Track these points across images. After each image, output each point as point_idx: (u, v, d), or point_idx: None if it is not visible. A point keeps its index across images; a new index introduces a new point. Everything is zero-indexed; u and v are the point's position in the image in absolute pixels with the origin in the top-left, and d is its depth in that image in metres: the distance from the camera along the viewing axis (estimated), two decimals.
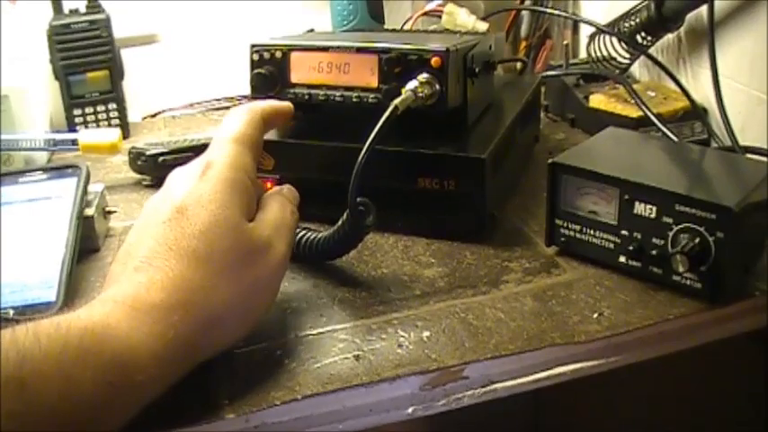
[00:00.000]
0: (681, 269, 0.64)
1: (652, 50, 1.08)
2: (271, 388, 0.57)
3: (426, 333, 0.63)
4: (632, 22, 1.04)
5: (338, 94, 0.77)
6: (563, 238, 0.73)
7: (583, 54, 1.19)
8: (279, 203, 0.65)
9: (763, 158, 0.85)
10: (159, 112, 1.25)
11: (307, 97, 0.78)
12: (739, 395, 0.73)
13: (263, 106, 0.69)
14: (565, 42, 1.18)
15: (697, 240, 0.64)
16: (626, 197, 0.68)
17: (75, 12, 1.12)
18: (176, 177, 0.63)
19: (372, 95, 0.75)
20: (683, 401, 0.70)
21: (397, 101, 0.68)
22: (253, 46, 0.80)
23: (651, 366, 0.63)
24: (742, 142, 0.90)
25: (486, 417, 0.65)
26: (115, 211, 0.84)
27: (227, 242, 0.56)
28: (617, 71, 1.10)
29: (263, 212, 0.63)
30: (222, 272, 0.55)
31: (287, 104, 0.72)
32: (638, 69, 1.17)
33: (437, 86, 0.73)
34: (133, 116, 1.21)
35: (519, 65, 1.23)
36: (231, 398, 0.56)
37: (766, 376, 0.73)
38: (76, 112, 1.13)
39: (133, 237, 0.59)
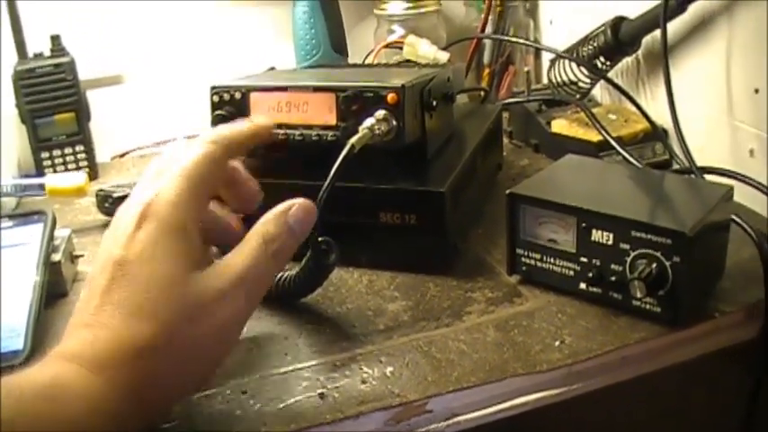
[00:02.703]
0: (639, 294, 0.65)
1: (611, 74, 1.10)
2: (236, 430, 0.57)
3: (390, 368, 0.64)
4: (590, 47, 1.06)
5: (298, 132, 0.77)
6: (524, 267, 0.74)
7: (546, 79, 1.20)
8: (253, 250, 0.59)
9: (722, 178, 0.86)
10: (128, 152, 1.25)
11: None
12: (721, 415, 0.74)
13: (226, 134, 0.63)
14: (526, 69, 1.19)
15: (654, 265, 0.65)
16: (583, 225, 0.69)
17: (39, 55, 1.12)
18: (114, 224, 0.58)
19: (331, 133, 0.76)
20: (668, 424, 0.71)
21: (353, 139, 0.69)
22: (212, 88, 0.80)
23: (629, 390, 0.64)
24: (703, 162, 0.91)
25: None
26: (82, 255, 0.85)
27: (171, 299, 0.54)
28: (578, 95, 1.11)
29: (227, 259, 0.59)
30: (169, 329, 0.53)
31: (259, 126, 0.67)
32: (600, 92, 1.19)
33: (394, 122, 0.73)
34: (102, 157, 1.21)
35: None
36: None
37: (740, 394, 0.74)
38: (44, 155, 1.13)
39: (87, 285, 0.57)
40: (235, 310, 0.57)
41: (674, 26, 0.96)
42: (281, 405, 0.60)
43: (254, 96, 0.79)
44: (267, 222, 0.61)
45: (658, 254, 0.65)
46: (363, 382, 0.62)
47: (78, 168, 1.14)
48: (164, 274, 0.54)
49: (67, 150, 1.14)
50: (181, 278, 0.55)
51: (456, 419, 0.59)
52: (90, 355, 0.51)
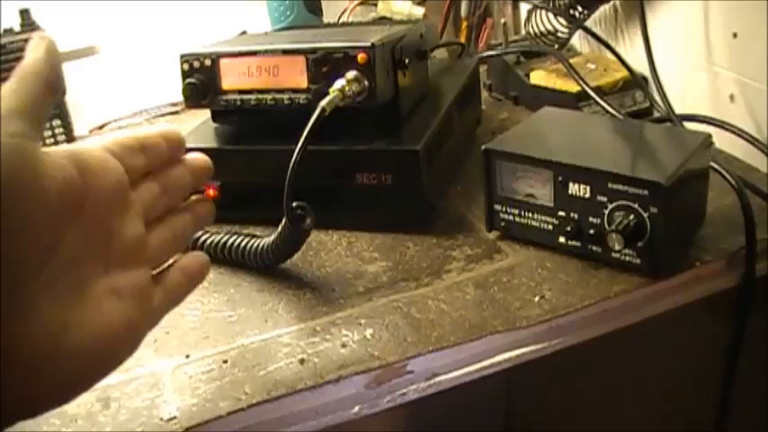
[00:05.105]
0: (617, 247, 0.65)
1: (590, 22, 1.08)
2: (218, 399, 0.57)
3: (369, 331, 0.63)
4: None
5: (269, 97, 0.77)
6: (503, 223, 0.74)
7: (524, 31, 1.19)
8: None
9: (702, 125, 0.85)
10: (105, 124, 1.24)
11: (239, 103, 0.78)
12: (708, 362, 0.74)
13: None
14: (503, 20, 1.18)
15: (632, 217, 0.65)
16: (560, 179, 0.68)
17: (9, 31, 1.10)
18: None
19: (303, 96, 0.76)
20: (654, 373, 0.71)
21: (323, 102, 0.68)
22: (182, 56, 0.79)
23: (611, 343, 0.64)
24: (684, 108, 0.90)
25: (458, 405, 0.65)
26: None
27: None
28: (557, 45, 1.10)
29: None
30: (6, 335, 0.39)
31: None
32: (579, 41, 1.17)
33: (365, 82, 0.73)
34: (80, 130, 1.20)
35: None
36: (179, 411, 0.56)
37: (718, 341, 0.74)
38: None
39: None
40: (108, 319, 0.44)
41: None
42: (262, 372, 0.60)
43: (223, 62, 0.78)
44: None
45: (635, 205, 0.65)
46: (344, 345, 0.62)
47: (56, 143, 1.13)
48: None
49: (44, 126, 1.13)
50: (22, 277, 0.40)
51: (436, 379, 0.59)
52: None
